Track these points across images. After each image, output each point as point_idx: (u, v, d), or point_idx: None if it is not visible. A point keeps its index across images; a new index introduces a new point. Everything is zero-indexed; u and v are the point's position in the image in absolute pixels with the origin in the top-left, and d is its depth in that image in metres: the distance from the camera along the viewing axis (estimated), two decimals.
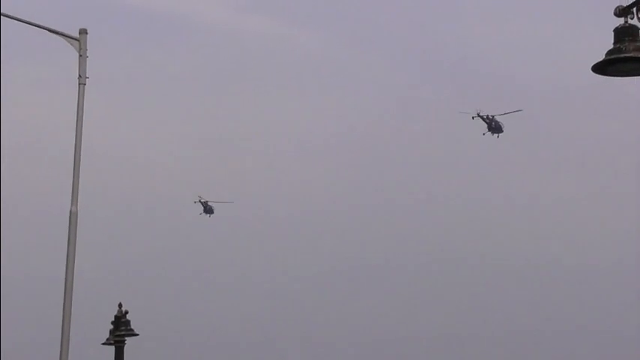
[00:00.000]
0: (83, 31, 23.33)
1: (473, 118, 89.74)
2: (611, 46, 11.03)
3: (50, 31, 23.26)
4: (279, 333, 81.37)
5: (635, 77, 11.62)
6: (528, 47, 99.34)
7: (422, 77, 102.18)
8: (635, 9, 10.97)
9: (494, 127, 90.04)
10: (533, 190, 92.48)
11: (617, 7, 11.09)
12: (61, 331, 22.26)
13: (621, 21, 11.11)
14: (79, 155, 23.30)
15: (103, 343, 30.00)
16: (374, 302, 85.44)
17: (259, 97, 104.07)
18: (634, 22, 11.04)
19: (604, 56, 11.08)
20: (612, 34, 11.20)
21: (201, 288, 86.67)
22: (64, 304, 22.35)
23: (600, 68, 11.25)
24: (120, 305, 29.45)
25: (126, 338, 29.30)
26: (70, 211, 22.96)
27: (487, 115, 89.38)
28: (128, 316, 29.30)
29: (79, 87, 23.22)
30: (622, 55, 11.00)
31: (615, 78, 11.48)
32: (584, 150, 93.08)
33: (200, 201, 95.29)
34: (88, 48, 23.29)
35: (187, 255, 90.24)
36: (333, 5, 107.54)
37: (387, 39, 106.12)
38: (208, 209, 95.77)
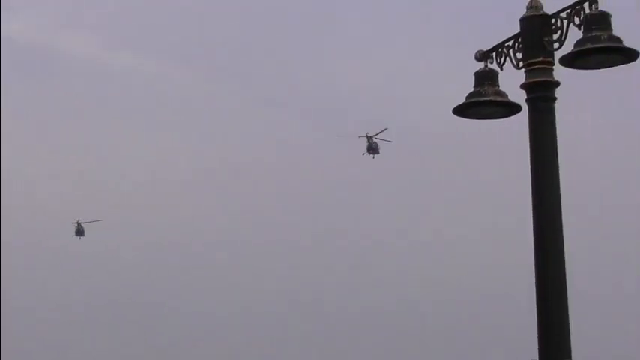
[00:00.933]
0: None
1: (360, 137, 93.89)
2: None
3: None
4: None
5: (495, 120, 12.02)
6: (403, 81, 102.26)
7: (296, 112, 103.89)
8: (494, 54, 11.35)
9: (373, 147, 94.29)
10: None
11: (478, 51, 11.44)
12: None
13: (482, 65, 11.47)
14: None
15: None
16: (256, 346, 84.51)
17: (128, 132, 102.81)
18: (493, 66, 11.41)
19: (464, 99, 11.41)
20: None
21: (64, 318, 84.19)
22: None
23: (460, 111, 11.55)
24: None
25: None
26: None
27: (370, 137, 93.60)
28: None
29: None
30: (482, 99, 11.33)
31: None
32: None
33: (78, 222, 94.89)
34: None
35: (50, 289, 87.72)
36: (206, 44, 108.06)
37: (263, 76, 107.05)
38: (80, 231, 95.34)
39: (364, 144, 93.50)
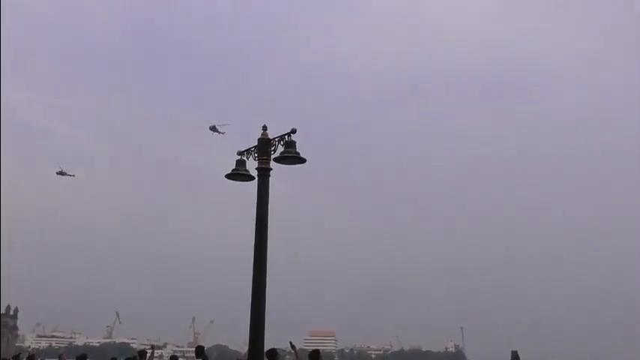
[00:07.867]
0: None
1: None
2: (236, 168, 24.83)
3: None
4: None
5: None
6: None
7: None
8: (245, 152, 24.81)
9: None
10: None
11: (238, 151, 24.86)
12: None
13: (239, 157, 24.87)
14: None
15: None
16: None
17: None
18: (244, 157, 24.85)
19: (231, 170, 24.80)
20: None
21: None
22: None
23: (229, 177, 24.85)
24: None
25: None
26: None
27: None
28: None
29: None
30: (238, 172, 24.76)
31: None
32: None
33: None
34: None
35: None
36: None
37: None
38: None
39: None
